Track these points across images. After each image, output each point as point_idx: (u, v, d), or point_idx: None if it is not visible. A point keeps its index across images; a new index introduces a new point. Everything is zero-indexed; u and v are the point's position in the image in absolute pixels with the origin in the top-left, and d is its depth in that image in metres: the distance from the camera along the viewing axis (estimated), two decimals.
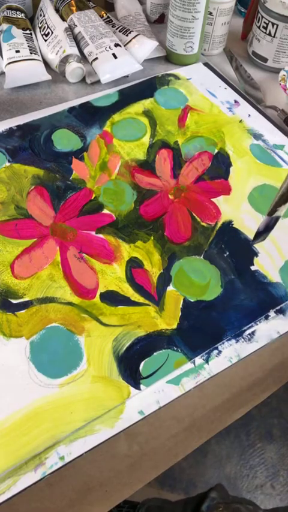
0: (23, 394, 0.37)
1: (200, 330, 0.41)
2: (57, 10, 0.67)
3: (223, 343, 0.41)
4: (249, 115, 0.61)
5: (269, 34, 0.64)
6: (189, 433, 0.39)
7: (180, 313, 0.42)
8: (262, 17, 0.64)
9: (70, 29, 0.64)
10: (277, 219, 0.41)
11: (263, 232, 0.43)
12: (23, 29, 0.64)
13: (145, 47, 0.64)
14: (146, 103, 0.61)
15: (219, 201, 0.51)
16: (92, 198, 0.51)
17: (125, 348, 0.40)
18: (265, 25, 0.64)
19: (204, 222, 0.49)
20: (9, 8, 0.66)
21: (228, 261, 0.46)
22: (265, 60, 0.68)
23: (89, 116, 0.59)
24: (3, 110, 0.59)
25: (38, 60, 0.61)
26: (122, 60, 0.61)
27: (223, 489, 0.62)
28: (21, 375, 0.38)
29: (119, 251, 0.46)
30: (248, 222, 0.50)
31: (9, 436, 0.35)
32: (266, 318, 0.43)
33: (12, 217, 0.48)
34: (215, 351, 0.41)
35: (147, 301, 0.43)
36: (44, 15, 0.66)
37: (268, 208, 0.40)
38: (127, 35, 0.65)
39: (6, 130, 0.56)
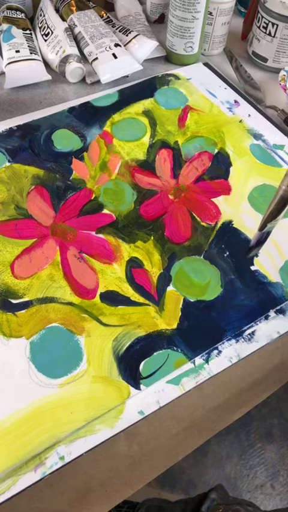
0: (23, 394, 0.37)
1: (200, 330, 0.41)
2: (57, 10, 0.67)
3: (223, 343, 0.41)
4: (249, 115, 0.61)
5: (269, 34, 0.64)
6: (189, 433, 0.39)
7: (180, 313, 0.42)
8: (262, 17, 0.64)
9: (70, 29, 0.64)
10: (268, 233, 0.42)
11: (255, 247, 0.44)
12: (23, 29, 0.64)
13: (145, 47, 0.64)
14: (146, 103, 0.61)
15: (219, 201, 0.51)
16: (92, 198, 0.51)
17: (125, 348, 0.40)
18: (265, 25, 0.64)
19: (204, 222, 0.49)
20: (9, 8, 0.66)
21: (228, 261, 0.46)
22: (265, 60, 0.68)
23: (89, 116, 0.59)
24: (3, 110, 0.59)
25: (38, 60, 0.61)
26: (122, 60, 0.61)
27: (223, 490, 0.62)
28: (21, 375, 0.38)
29: (119, 251, 0.46)
30: (248, 222, 0.50)
31: (9, 436, 0.35)
32: (266, 318, 0.43)
33: (12, 217, 0.48)
34: (215, 351, 0.41)
35: (147, 301, 0.43)
36: (44, 15, 0.66)
37: (259, 223, 0.41)
38: (127, 35, 0.65)
39: (6, 130, 0.56)
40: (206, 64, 0.68)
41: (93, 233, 0.48)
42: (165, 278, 0.45)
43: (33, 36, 0.65)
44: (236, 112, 0.61)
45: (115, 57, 0.61)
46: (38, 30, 0.66)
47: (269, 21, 0.63)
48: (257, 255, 0.47)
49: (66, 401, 0.37)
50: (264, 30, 0.65)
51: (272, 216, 0.39)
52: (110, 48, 0.61)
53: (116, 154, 0.55)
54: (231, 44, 0.73)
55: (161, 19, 0.75)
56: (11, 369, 0.38)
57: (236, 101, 0.63)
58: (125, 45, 0.64)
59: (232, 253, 0.47)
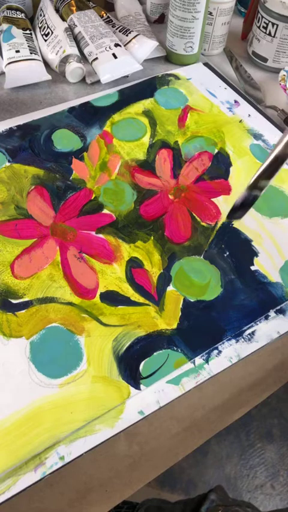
0: (23, 394, 0.37)
1: (200, 330, 0.41)
2: (57, 10, 0.67)
3: (223, 343, 0.41)
4: (249, 115, 0.61)
5: (269, 34, 0.64)
6: (189, 433, 0.39)
7: (180, 313, 0.42)
8: (262, 17, 0.64)
9: (70, 29, 0.64)
10: (255, 197, 0.38)
11: (239, 209, 0.39)
12: (23, 29, 0.64)
13: (145, 47, 0.64)
14: (146, 103, 0.61)
15: (219, 201, 0.51)
16: (92, 198, 0.51)
17: (125, 348, 0.40)
18: (265, 25, 0.64)
19: (204, 222, 0.49)
20: (9, 8, 0.66)
21: (228, 261, 0.46)
22: (265, 60, 0.68)
23: (89, 116, 0.59)
24: (3, 110, 0.59)
25: (38, 60, 0.61)
26: (122, 60, 0.61)
27: (223, 491, 0.62)
28: (21, 375, 0.38)
29: (119, 251, 0.46)
30: (248, 222, 0.50)
31: (9, 436, 0.35)
32: (266, 318, 0.43)
33: (12, 217, 0.48)
34: (215, 351, 0.41)
35: (147, 301, 0.43)
36: (44, 15, 0.66)
37: (248, 182, 0.37)
38: (127, 35, 0.65)
39: (6, 130, 0.56)
40: (206, 64, 0.68)
41: (93, 233, 0.48)
42: (165, 278, 0.45)
43: (33, 36, 0.65)
44: (236, 112, 0.61)
45: (115, 57, 0.61)
46: (38, 30, 0.66)
47: (269, 21, 0.63)
48: (255, 254, 0.47)
49: (66, 401, 0.37)
50: (264, 30, 0.65)
51: (266, 176, 0.36)
52: (110, 48, 0.61)
53: (116, 154, 0.55)
54: (231, 44, 0.73)
55: (161, 19, 0.75)
56: (11, 369, 0.38)
57: (236, 101, 0.63)
58: (125, 45, 0.64)
59: (232, 253, 0.47)
